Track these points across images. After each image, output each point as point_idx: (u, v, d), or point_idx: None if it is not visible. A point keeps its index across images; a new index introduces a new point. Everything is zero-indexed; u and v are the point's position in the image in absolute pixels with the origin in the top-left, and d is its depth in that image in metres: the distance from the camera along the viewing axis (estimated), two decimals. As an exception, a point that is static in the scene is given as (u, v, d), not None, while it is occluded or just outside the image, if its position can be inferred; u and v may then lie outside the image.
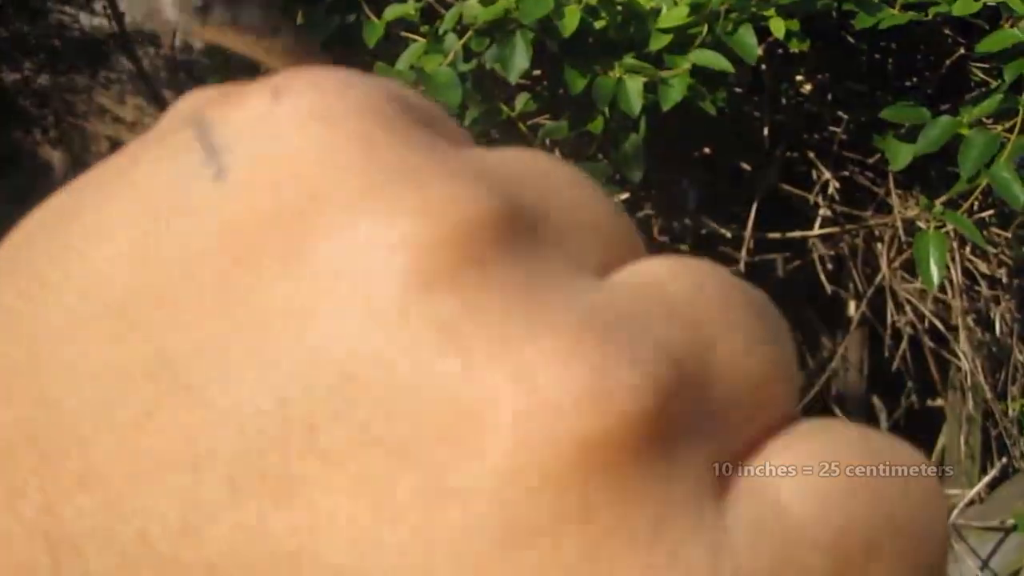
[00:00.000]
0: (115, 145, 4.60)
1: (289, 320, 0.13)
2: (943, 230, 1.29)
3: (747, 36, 1.19)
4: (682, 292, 0.14)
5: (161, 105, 3.02)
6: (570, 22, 1.19)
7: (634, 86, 1.20)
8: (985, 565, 1.65)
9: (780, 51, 1.36)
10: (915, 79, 1.44)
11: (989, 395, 1.45)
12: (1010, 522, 1.62)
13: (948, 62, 1.34)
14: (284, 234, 0.14)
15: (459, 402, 0.13)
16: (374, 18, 1.37)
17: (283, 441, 0.13)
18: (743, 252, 1.38)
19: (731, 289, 0.15)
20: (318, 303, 0.13)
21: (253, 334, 0.13)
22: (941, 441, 1.77)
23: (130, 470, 0.13)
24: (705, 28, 1.21)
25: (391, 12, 1.36)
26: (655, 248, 1.64)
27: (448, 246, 0.13)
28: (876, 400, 1.74)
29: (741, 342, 0.14)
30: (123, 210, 0.15)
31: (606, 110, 1.25)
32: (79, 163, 4.60)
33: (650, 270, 0.15)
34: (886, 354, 1.51)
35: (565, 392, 0.12)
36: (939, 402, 1.76)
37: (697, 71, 1.22)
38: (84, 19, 4.25)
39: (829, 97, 1.43)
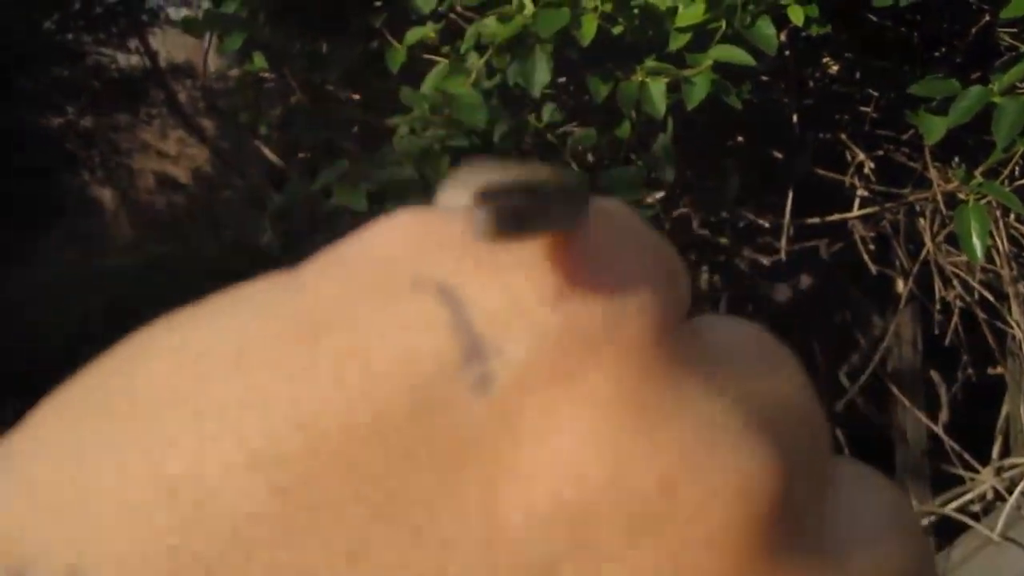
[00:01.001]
0: (161, 179, 4.68)
1: None
2: (984, 201, 1.28)
3: (765, 27, 1.19)
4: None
5: (201, 137, 3.06)
6: (588, 31, 1.19)
7: (657, 88, 1.20)
8: (1060, 532, 1.62)
9: (804, 35, 1.35)
10: (943, 49, 1.42)
11: (1045, 363, 1.43)
12: (1081, 486, 1.60)
13: (974, 30, 1.32)
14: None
15: None
16: (396, 43, 1.38)
17: None
18: (783, 241, 1.38)
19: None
20: None
21: None
22: (1004, 409, 1.75)
23: None
24: (724, 23, 1.21)
25: (412, 36, 1.37)
26: (696, 242, 1.61)
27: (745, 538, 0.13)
28: (934, 374, 1.73)
29: None
30: (343, 382, 0.13)
31: (632, 114, 1.25)
32: (128, 200, 4.69)
33: (882, 549, 0.15)
34: (936, 331, 1.50)
35: None
36: (999, 370, 1.73)
37: (720, 66, 1.22)
38: (121, 59, 4.34)
39: (857, 76, 1.42)
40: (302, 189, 1.38)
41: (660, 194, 1.45)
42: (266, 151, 1.69)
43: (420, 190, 1.24)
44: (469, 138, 1.33)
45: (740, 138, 1.51)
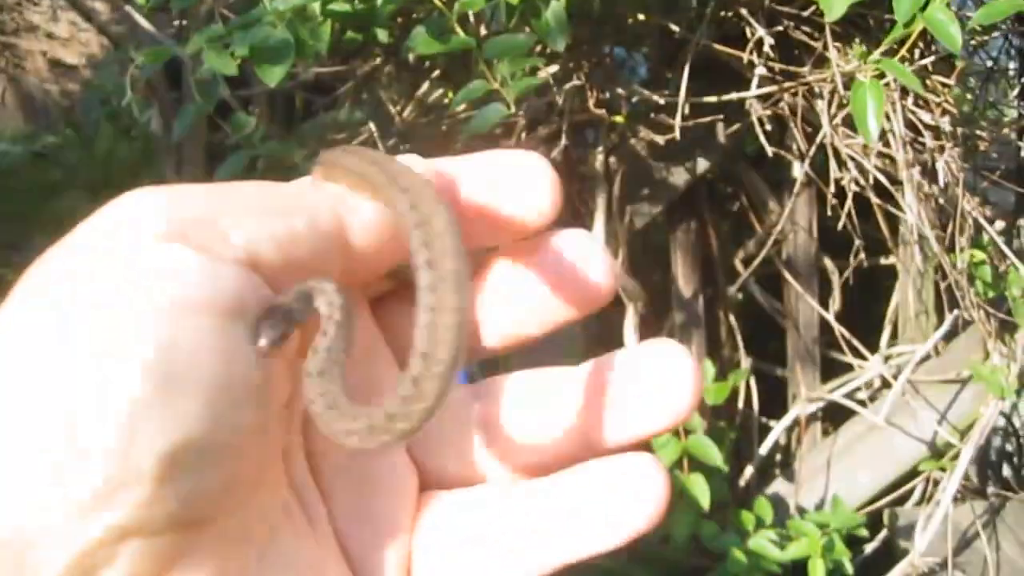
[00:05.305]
0: (51, 62, 4.45)
1: None
2: (882, 81, 1.25)
3: None
4: None
5: (94, 21, 2.90)
6: None
7: (547, -51, 1.14)
8: (943, 418, 1.65)
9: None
10: (848, -77, 1.37)
11: (936, 248, 1.42)
12: (965, 373, 1.62)
13: (880, -98, 1.27)
14: None
15: None
16: None
17: None
18: (677, 118, 1.33)
19: None
20: None
21: None
22: (895, 299, 1.76)
23: None
24: None
25: None
26: (592, 121, 1.56)
27: None
28: (827, 261, 1.72)
29: None
30: None
31: (522, -22, 1.19)
32: (16, 81, 4.46)
33: None
34: (828, 214, 1.48)
35: None
36: (892, 259, 1.74)
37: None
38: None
39: (759, -51, 1.36)
40: (171, 55, 1.29)
41: (554, 68, 1.39)
42: (141, 20, 1.59)
43: (294, 54, 1.16)
44: (352, 2, 1.25)
45: (640, 15, 1.46)
